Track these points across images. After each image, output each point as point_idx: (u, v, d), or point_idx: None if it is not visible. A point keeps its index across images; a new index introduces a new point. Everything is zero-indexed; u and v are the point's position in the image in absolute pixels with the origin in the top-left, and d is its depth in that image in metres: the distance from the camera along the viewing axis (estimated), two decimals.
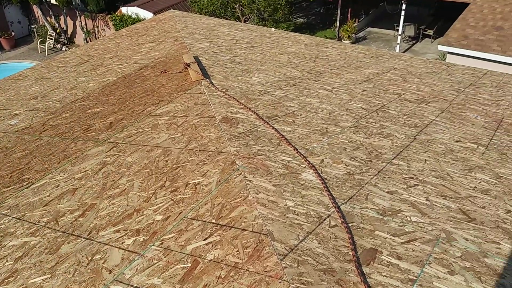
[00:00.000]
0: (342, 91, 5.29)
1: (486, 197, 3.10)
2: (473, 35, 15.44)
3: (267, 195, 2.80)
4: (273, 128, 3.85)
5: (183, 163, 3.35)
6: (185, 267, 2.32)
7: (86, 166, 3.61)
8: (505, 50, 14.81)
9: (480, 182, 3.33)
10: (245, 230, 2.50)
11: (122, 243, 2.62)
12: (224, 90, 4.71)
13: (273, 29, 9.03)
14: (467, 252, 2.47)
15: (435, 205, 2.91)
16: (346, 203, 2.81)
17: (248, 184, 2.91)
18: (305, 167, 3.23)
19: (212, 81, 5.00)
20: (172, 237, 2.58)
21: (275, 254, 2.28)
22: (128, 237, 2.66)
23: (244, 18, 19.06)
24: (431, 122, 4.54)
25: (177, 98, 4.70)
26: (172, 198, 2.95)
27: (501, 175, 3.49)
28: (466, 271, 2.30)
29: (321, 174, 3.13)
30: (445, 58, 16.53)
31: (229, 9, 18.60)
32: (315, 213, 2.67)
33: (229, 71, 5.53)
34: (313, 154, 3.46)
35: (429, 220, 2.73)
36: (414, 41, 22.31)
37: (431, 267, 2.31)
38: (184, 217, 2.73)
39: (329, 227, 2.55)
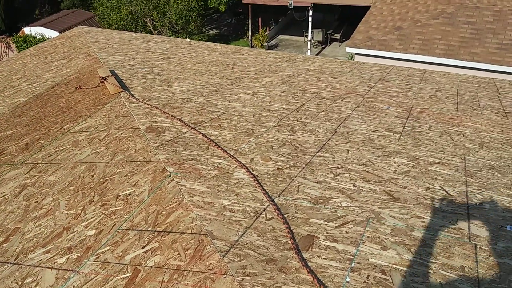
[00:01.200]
0: (262, 94, 5.41)
1: (406, 178, 3.33)
2: (376, 36, 16.48)
3: (202, 197, 2.81)
4: (200, 133, 3.86)
5: (110, 176, 3.25)
6: (125, 277, 2.26)
7: (4, 191, 3.39)
8: (406, 48, 15.96)
9: (399, 165, 3.56)
10: (184, 233, 2.48)
11: (54, 262, 2.49)
12: (145, 101, 4.64)
13: (188, 39, 9.03)
14: (396, 228, 2.63)
15: (362, 190, 3.08)
16: (279, 196, 2.89)
17: (182, 188, 2.89)
18: (236, 167, 3.27)
19: (132, 92, 4.91)
20: (108, 249, 2.50)
21: (216, 251, 2.29)
22: (60, 256, 2.54)
23: (156, 32, 18.85)
24: (349, 115, 4.79)
25: (96, 112, 4.55)
26: (103, 212, 2.85)
27: (417, 157, 3.76)
28: (397, 245, 2.46)
29: (252, 172, 3.19)
30: (353, 59, 17.47)
31: (140, 24, 18.30)
32: (251, 208, 2.72)
33: (149, 82, 5.46)
34: (242, 154, 3.51)
35: (358, 204, 2.88)
36: (323, 46, 23.34)
37: (365, 245, 2.44)
38: (119, 228, 2.66)
39: (266, 220, 2.61)
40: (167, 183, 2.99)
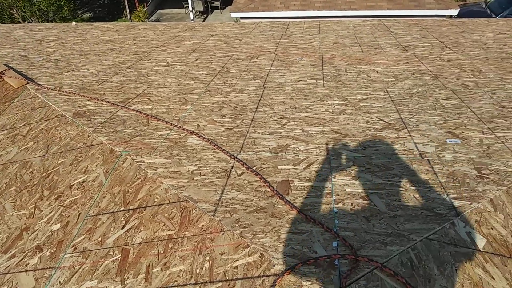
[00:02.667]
0: (177, 64, 5.29)
1: (345, 116, 3.52)
2: None
3: (165, 168, 2.73)
4: (134, 110, 3.70)
5: (53, 169, 3.02)
6: (116, 259, 2.16)
7: None
8: (288, 5, 16.40)
9: (334, 106, 3.75)
10: (162, 204, 2.42)
11: (26, 265, 2.29)
12: (58, 88, 4.31)
13: (74, 22, 8.42)
14: (356, 159, 2.80)
15: (311, 133, 3.20)
16: (240, 152, 2.91)
17: (141, 164, 2.79)
18: (186, 135, 3.22)
19: (39, 83, 4.52)
20: (83, 238, 2.35)
21: (204, 213, 2.27)
22: (30, 257, 2.34)
23: (26, 22, 17.24)
24: (269, 71, 4.88)
25: (6, 109, 4.14)
26: (61, 204, 2.66)
27: (346, 97, 3.98)
28: (364, 174, 2.62)
29: (204, 136, 3.16)
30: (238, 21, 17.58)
31: (6, 16, 16.58)
32: (219, 169, 2.71)
33: (52, 70, 5.06)
34: (186, 122, 3.45)
35: (314, 145, 3.00)
36: (205, 15, 23.13)
37: (337, 179, 2.57)
38: (86, 216, 2.50)
39: (238, 176, 2.62)
40: (121, 162, 2.86)
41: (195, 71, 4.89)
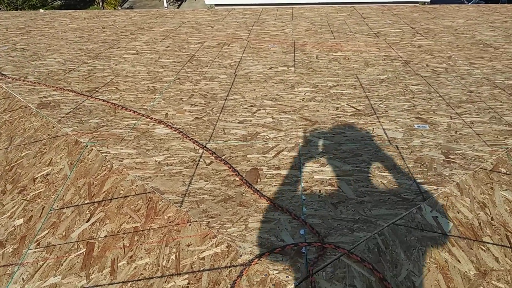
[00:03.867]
0: (147, 51, 5.19)
1: (315, 103, 3.51)
2: None
3: (132, 159, 2.68)
4: (100, 99, 3.61)
5: (16, 162, 2.93)
6: (80, 253, 2.11)
7: None
8: None
9: (305, 93, 3.73)
10: (128, 196, 2.37)
11: None
12: (22, 78, 4.18)
13: (41, 10, 8.18)
14: (325, 146, 2.79)
15: (281, 121, 3.18)
16: (209, 141, 2.87)
17: (106, 155, 2.72)
18: (153, 124, 3.15)
19: (3, 73, 4.37)
20: (47, 233, 2.29)
21: (171, 204, 2.23)
22: None
23: None
24: (241, 59, 4.82)
25: None
26: (24, 198, 2.58)
27: (317, 84, 3.97)
28: (333, 160, 2.62)
29: (173, 126, 3.10)
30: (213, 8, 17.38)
31: None
32: (187, 158, 2.67)
33: (17, 59, 4.90)
34: (154, 112, 3.38)
35: (284, 133, 2.98)
36: (179, 2, 22.79)
37: (305, 166, 2.56)
38: (50, 210, 2.43)
39: (206, 165, 2.58)
40: (86, 153, 2.79)
41: (165, 59, 4.80)
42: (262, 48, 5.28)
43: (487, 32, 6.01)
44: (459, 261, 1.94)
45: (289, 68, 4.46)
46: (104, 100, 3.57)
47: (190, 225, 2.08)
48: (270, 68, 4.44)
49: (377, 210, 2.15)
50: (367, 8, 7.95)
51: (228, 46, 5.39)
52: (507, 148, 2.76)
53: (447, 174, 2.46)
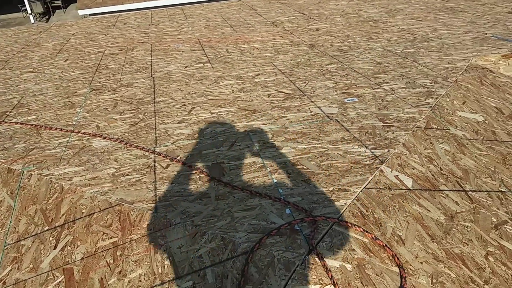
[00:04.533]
0: (46, 68, 4.84)
1: (246, 93, 3.56)
2: None
3: (81, 176, 2.51)
4: (16, 123, 3.32)
5: None
6: (59, 281, 1.95)
7: None
8: None
9: (232, 86, 3.77)
10: (92, 213, 2.23)
11: None
12: None
13: None
14: (275, 131, 2.86)
15: (221, 114, 3.19)
16: (157, 146, 2.79)
17: (51, 177, 2.52)
18: (88, 138, 2.98)
19: None
20: (11, 270, 2.07)
21: (145, 212, 2.15)
22: None
23: None
24: (151, 61, 4.71)
25: None
26: None
27: (239, 76, 4.03)
28: (287, 142, 2.70)
29: (111, 137, 2.96)
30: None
31: None
32: (140, 166, 2.57)
33: None
34: (83, 126, 3.19)
35: (228, 125, 3.00)
36: (47, 16, 21.32)
37: (264, 152, 2.61)
38: (5, 245, 2.20)
39: (164, 169, 2.52)
40: (26, 180, 2.56)
41: (70, 73, 4.52)
42: (169, 48, 5.20)
43: (370, 10, 6.53)
44: (428, 210, 2.14)
45: (205, 64, 4.46)
46: (21, 123, 3.28)
47: (173, 228, 2.02)
48: (186, 67, 4.40)
49: (346, 179, 2.27)
50: (255, 1, 8.18)
51: (132, 51, 5.22)
52: (431, 106, 3.06)
53: (391, 137, 2.67)
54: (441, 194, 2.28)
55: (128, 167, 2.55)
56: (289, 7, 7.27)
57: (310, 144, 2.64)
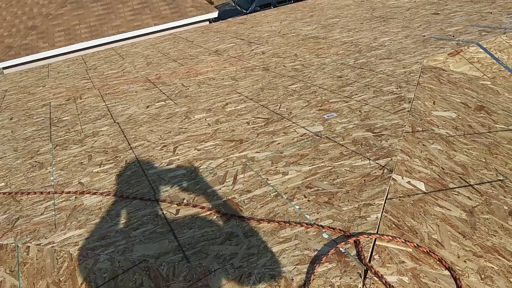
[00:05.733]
0: None
1: (224, 124, 3.52)
2: (16, 43, 15.12)
3: (87, 239, 2.34)
4: None
5: None
6: None
7: None
8: (52, 43, 15.27)
9: (205, 119, 3.71)
10: (116, 276, 2.08)
11: None
12: None
13: None
14: (269, 156, 2.85)
15: (209, 149, 3.13)
16: (156, 193, 2.67)
17: (53, 246, 2.34)
18: (76, 197, 2.80)
19: None
20: None
21: (176, 264, 2.04)
22: None
23: None
24: (107, 106, 4.54)
25: None
26: None
27: (208, 108, 3.98)
28: (286, 166, 2.69)
29: (102, 191, 2.79)
30: (3, 74, 15.64)
31: None
32: (149, 216, 2.45)
33: None
34: (63, 185, 3.01)
35: (222, 159, 2.94)
36: None
37: (270, 179, 2.58)
38: None
39: (176, 215, 2.41)
40: (25, 253, 2.34)
41: (21, 131, 4.23)
42: (119, 91, 5.03)
43: (305, 28, 6.76)
44: (449, 210, 2.22)
45: (166, 101, 4.37)
46: None
47: (214, 275, 1.93)
48: (147, 107, 4.28)
49: (365, 193, 2.30)
50: (188, 33, 8.17)
51: (81, 99, 5.00)
52: (408, 110, 3.20)
53: (387, 145, 2.75)
54: (453, 192, 2.37)
55: (135, 220, 2.41)
56: (225, 35, 7.34)
57: (313, 165, 2.65)
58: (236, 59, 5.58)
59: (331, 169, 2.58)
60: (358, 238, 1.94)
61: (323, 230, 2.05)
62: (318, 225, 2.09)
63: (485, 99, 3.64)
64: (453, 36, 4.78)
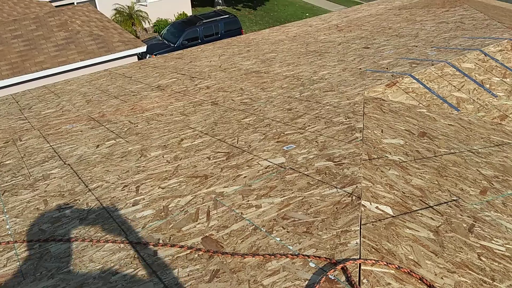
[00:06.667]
0: None
1: (185, 160, 3.53)
2: None
3: None
4: None
5: None
6: None
7: None
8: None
9: (163, 156, 3.70)
10: None
11: None
12: None
13: None
14: (240, 191, 2.90)
15: (174, 187, 3.12)
16: (129, 235, 2.62)
17: None
18: (40, 245, 2.68)
19: None
20: None
21: None
22: None
23: None
24: (53, 148, 4.37)
25: None
26: None
27: (163, 144, 3.97)
28: (258, 199, 2.76)
29: (67, 237, 2.69)
30: None
31: None
32: (125, 259, 2.40)
33: None
34: (23, 234, 2.86)
35: (190, 196, 2.95)
36: None
37: (245, 213, 2.63)
38: None
39: (154, 256, 2.38)
40: None
41: None
42: (63, 131, 4.87)
43: (245, 62, 6.96)
44: (418, 231, 2.39)
45: (117, 139, 4.29)
46: None
47: None
48: (98, 146, 4.18)
49: (341, 221, 2.42)
50: (124, 69, 8.08)
51: (21, 140, 4.77)
52: (361, 139, 3.41)
53: (350, 174, 2.91)
54: (417, 214, 2.55)
55: (112, 264, 2.35)
56: (164, 70, 7.36)
57: (284, 196, 2.74)
58: (181, 94, 5.61)
59: (302, 199, 2.68)
60: (345, 265, 2.03)
61: (309, 260, 2.12)
62: (303, 255, 2.16)
63: (425, 126, 3.95)
64: (387, 68, 5.17)
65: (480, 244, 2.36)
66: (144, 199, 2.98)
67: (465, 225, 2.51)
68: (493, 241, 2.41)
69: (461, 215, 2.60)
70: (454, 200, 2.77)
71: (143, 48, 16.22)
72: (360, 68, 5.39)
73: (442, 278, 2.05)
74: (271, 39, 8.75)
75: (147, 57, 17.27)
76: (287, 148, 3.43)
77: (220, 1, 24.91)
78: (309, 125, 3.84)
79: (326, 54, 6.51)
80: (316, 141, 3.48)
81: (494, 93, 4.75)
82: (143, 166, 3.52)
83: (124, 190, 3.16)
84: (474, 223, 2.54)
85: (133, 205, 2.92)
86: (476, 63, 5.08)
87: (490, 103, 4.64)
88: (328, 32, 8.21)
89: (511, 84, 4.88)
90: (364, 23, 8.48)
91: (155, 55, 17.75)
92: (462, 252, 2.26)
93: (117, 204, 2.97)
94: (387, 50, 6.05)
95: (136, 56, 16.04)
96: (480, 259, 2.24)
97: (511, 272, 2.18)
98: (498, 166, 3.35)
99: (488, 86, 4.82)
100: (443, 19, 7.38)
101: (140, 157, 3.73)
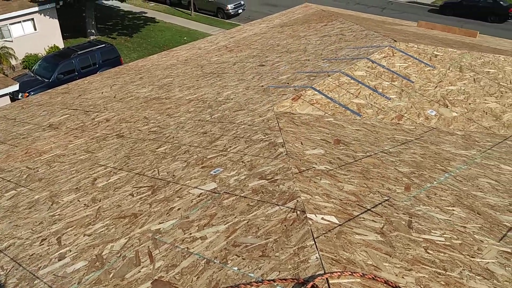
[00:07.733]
0: None
1: (105, 202, 3.27)
2: None
3: None
4: None
5: None
6: None
7: None
8: None
9: (78, 200, 3.39)
10: None
11: None
12: None
13: None
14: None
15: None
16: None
17: None
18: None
19: None
20: None
21: None
22: None
23: None
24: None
25: None
26: None
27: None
28: (210, 227, 2.63)
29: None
30: None
31: None
32: None
33: None
34: None
35: (124, 244, 2.72)
36: None
37: (190, 248, 2.49)
38: None
39: None
40: None
41: None
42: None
43: (141, 90, 6.72)
44: (366, 235, 2.45)
45: (18, 189, 3.85)
46: None
47: None
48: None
49: (293, 238, 2.39)
50: (2, 110, 7.33)
51: None
52: (286, 154, 3.44)
53: (286, 189, 2.91)
54: (360, 219, 2.62)
55: None
56: (52, 107, 6.82)
57: (228, 222, 2.65)
58: (79, 130, 5.22)
59: (247, 222, 2.60)
60: (314, 282, 1.99)
61: (275, 284, 2.05)
62: (268, 280, 2.08)
63: (336, 133, 4.11)
64: (288, 83, 5.32)
65: (423, 238, 2.47)
66: (70, 250, 2.68)
67: (404, 223, 2.62)
68: (432, 233, 2.55)
69: (397, 213, 2.71)
70: (386, 200, 2.89)
71: (15, 87, 14.92)
72: (262, 86, 5.48)
73: (403, 277, 2.11)
74: (162, 64, 8.57)
75: (19, 96, 15.88)
76: (215, 172, 3.34)
77: (93, 31, 23.89)
78: (230, 146, 3.78)
79: (224, 75, 6.53)
80: (242, 161, 3.43)
81: (387, 96, 5.12)
82: (59, 214, 3.17)
83: (43, 244, 2.81)
84: (411, 219, 2.67)
85: (59, 260, 2.60)
86: (367, 70, 5.45)
87: (386, 106, 4.99)
88: (219, 53, 8.27)
89: (400, 86, 5.31)
90: (252, 42, 8.70)
91: (29, 93, 16.41)
92: (410, 248, 2.35)
93: (39, 261, 2.62)
94: (282, 66, 6.24)
95: (8, 96, 14.68)
96: (428, 252, 2.35)
97: (457, 260, 2.31)
98: (411, 162, 3.59)
99: (381, 90, 5.19)
100: (325, 33, 7.85)
101: (51, 204, 3.36)
